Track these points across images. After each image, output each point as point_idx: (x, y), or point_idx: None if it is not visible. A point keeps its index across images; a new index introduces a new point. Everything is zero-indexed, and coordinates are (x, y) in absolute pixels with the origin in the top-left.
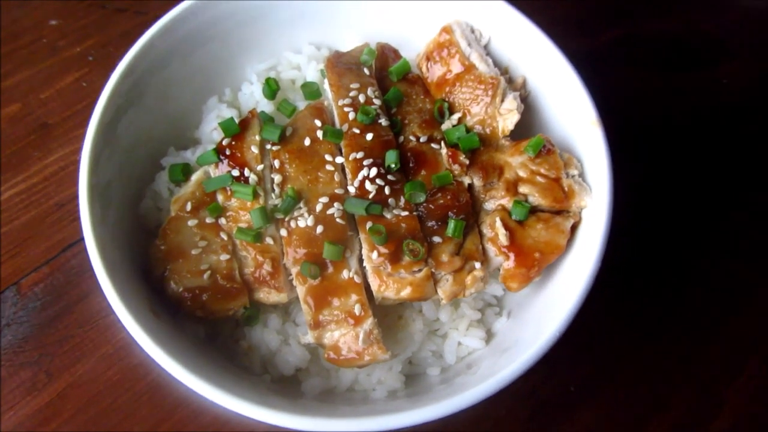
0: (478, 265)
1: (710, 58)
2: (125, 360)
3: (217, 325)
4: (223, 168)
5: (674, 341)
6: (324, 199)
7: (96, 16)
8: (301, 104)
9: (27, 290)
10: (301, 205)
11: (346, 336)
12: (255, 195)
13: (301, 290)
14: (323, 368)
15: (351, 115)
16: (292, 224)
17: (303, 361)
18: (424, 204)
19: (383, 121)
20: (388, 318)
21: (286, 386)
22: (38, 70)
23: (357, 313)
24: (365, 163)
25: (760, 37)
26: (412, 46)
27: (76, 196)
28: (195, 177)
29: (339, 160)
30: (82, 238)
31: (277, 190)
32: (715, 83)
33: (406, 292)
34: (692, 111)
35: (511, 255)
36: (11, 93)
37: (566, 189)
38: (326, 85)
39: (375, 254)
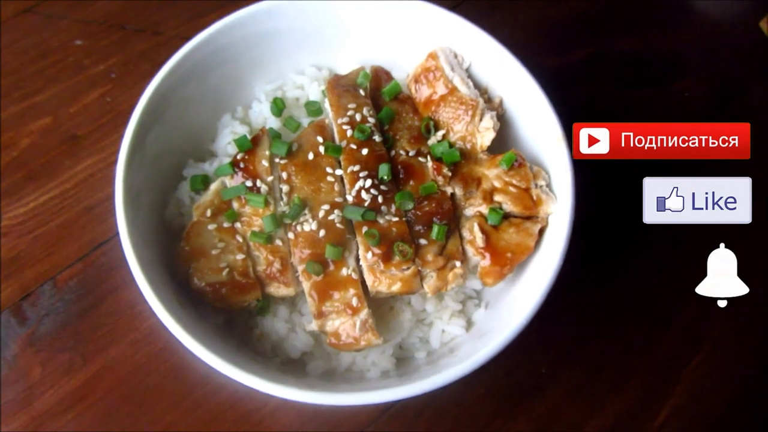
0: (458, 263)
1: (668, 74)
2: (151, 345)
3: (234, 315)
4: (238, 179)
5: (634, 328)
6: (326, 207)
7: (117, 36)
8: (305, 120)
9: (63, 284)
10: (306, 211)
11: (345, 324)
12: (266, 203)
13: (306, 285)
14: (325, 352)
15: (349, 133)
16: (298, 228)
17: (308, 346)
18: (412, 211)
19: (377, 138)
20: (381, 309)
21: (294, 367)
22: (66, 86)
23: (354, 305)
24: (361, 175)
25: (716, 54)
26: (403, 67)
27: (104, 200)
28: (213, 187)
29: (338, 172)
30: (114, 238)
31: (285, 198)
32: (674, 96)
33: (396, 287)
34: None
35: (487, 255)
36: (43, 107)
37: (535, 198)
38: (327, 105)
39: (370, 254)
